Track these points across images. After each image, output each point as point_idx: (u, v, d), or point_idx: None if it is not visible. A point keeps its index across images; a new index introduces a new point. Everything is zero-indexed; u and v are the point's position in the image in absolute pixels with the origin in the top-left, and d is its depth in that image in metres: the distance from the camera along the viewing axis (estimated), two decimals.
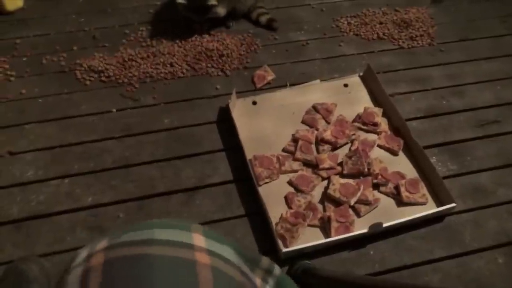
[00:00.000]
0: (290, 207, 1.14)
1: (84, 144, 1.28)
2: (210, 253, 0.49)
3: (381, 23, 1.72)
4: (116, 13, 1.70)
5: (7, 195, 1.16)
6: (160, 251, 0.47)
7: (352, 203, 1.14)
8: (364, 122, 1.33)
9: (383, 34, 1.67)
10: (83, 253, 0.49)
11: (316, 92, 1.42)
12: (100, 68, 1.47)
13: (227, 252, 0.51)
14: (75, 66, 1.49)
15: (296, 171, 1.21)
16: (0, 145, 1.26)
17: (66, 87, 1.43)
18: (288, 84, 1.46)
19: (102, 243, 0.49)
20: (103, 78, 1.45)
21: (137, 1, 1.75)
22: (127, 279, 0.45)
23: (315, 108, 1.37)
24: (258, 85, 1.45)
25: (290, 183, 1.19)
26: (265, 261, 0.59)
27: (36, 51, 1.53)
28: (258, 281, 0.55)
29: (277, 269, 0.60)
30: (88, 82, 1.44)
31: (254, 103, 1.37)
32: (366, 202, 1.15)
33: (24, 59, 1.51)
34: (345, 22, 1.71)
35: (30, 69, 1.47)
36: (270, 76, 1.47)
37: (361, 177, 1.20)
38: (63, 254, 1.06)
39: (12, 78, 1.44)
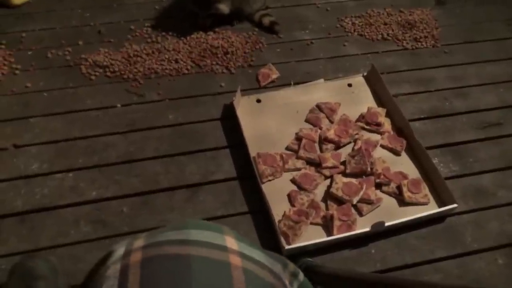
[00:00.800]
0: (293, 205, 1.14)
1: (88, 139, 1.28)
2: (242, 255, 0.51)
3: (385, 23, 1.72)
4: (121, 9, 1.70)
5: (11, 188, 1.16)
6: (197, 251, 0.49)
7: (354, 202, 1.14)
8: (368, 122, 1.34)
9: (388, 34, 1.68)
10: (119, 251, 0.51)
11: (320, 91, 1.42)
12: (105, 63, 1.47)
13: (257, 254, 0.53)
14: (80, 60, 1.49)
15: (299, 169, 1.22)
16: (5, 138, 1.26)
17: (71, 81, 1.43)
18: (292, 83, 1.46)
19: (139, 242, 0.51)
20: (108, 73, 1.45)
21: None
22: (165, 277, 0.47)
23: (319, 107, 1.37)
24: (263, 83, 1.46)
25: (293, 181, 1.20)
26: (291, 265, 0.61)
27: (42, 45, 1.54)
28: (286, 282, 0.56)
29: (301, 274, 0.62)
30: (93, 77, 1.44)
31: (259, 101, 1.38)
32: (369, 201, 1.16)
33: (30, 52, 1.51)
34: (350, 22, 1.72)
35: (36, 63, 1.48)
36: (275, 75, 1.48)
37: (364, 177, 1.21)
38: (67, 247, 1.07)
39: (17, 72, 1.44)
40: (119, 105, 1.37)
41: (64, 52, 1.51)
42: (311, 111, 1.36)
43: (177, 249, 0.49)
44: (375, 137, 1.31)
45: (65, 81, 1.43)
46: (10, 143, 1.25)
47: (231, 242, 0.53)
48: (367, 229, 1.07)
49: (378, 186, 1.21)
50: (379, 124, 1.33)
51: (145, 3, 1.73)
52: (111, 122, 1.33)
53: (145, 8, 1.71)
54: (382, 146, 1.30)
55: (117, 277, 0.47)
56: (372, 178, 1.20)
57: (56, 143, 1.27)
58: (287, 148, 1.27)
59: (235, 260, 0.50)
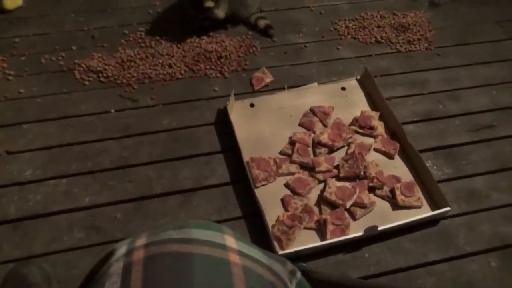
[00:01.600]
0: (286, 210, 1.15)
1: (82, 144, 1.28)
2: (241, 253, 0.52)
3: (379, 26, 1.73)
4: (115, 13, 1.70)
5: (4, 195, 1.16)
6: (199, 250, 0.51)
7: (348, 206, 1.15)
8: (361, 126, 1.34)
9: (381, 37, 1.68)
10: (122, 249, 0.52)
11: (313, 95, 1.43)
12: (99, 68, 1.47)
13: (255, 253, 0.55)
14: (74, 66, 1.49)
15: (293, 173, 1.22)
16: None
17: (65, 87, 1.43)
18: (286, 86, 1.46)
19: (141, 240, 0.52)
20: (101, 79, 1.45)
21: (136, 1, 1.75)
22: (168, 274, 0.48)
23: (312, 111, 1.37)
24: (256, 88, 1.46)
25: (287, 185, 1.20)
26: (289, 264, 0.62)
27: (35, 50, 1.53)
28: (286, 280, 0.57)
29: (298, 273, 0.63)
30: (87, 82, 1.44)
31: (252, 105, 1.38)
32: (362, 205, 1.16)
33: (23, 58, 1.51)
34: (343, 25, 1.72)
35: (29, 68, 1.47)
36: (268, 79, 1.48)
37: (357, 180, 1.21)
38: (60, 253, 1.06)
39: (10, 77, 1.44)
40: (112, 111, 1.37)
41: (57, 57, 1.51)
42: (304, 115, 1.37)
43: (179, 247, 0.50)
44: (368, 140, 1.32)
45: (59, 86, 1.43)
46: (2, 149, 1.25)
47: (230, 241, 0.54)
48: (361, 233, 1.08)
49: (372, 189, 1.21)
50: (372, 128, 1.34)
51: (139, 7, 1.73)
52: (105, 128, 1.33)
53: (139, 13, 1.71)
54: (376, 150, 1.30)
55: (120, 274, 0.48)
56: (366, 181, 1.21)
57: (49, 149, 1.27)
58: (280, 153, 1.27)
59: (235, 258, 0.51)
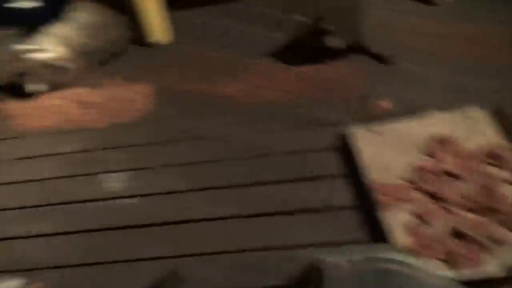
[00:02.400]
0: (413, 237, 1.16)
1: None
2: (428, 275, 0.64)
3: None
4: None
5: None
6: (409, 271, 0.66)
7: (479, 238, 1.12)
8: (490, 156, 1.30)
9: None
10: (331, 261, 0.69)
11: (437, 123, 1.41)
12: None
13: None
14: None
15: (418, 201, 1.23)
16: None
17: None
18: (407, 114, 1.47)
19: (359, 256, 0.67)
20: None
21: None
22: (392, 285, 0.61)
23: (437, 139, 1.37)
24: (378, 115, 1.49)
25: (412, 213, 1.21)
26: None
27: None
28: None
29: None
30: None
31: (374, 132, 1.42)
32: (494, 239, 1.12)
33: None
34: None
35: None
36: (389, 106, 1.51)
37: (488, 213, 1.17)
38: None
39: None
40: None
41: None
42: (428, 142, 1.36)
43: (396, 266, 0.67)
44: (498, 172, 1.27)
45: None
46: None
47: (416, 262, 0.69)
48: (497, 270, 1.04)
49: (503, 223, 1.16)
50: (501, 158, 1.28)
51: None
52: None
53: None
54: (507, 182, 1.25)
55: (354, 281, 0.63)
56: (498, 215, 1.16)
57: None
58: (405, 179, 1.29)
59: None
